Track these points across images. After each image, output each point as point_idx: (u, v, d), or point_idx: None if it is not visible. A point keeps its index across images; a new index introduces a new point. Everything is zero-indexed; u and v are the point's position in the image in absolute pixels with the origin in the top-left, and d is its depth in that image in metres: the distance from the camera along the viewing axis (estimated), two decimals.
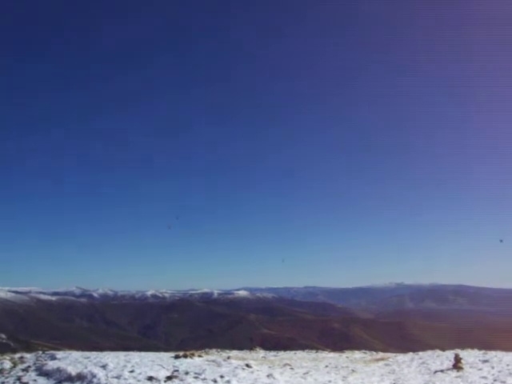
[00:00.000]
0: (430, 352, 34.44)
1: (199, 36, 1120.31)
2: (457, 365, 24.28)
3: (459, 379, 20.90)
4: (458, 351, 30.91)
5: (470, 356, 29.19)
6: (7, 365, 23.67)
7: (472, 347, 35.61)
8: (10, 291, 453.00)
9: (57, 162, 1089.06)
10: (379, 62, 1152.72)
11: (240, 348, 43.40)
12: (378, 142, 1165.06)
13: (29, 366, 23.41)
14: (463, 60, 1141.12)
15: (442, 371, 23.84)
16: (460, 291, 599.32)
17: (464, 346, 37.49)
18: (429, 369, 25.45)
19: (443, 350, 35.11)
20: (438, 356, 31.13)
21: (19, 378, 20.83)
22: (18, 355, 26.90)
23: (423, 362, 28.39)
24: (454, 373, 22.94)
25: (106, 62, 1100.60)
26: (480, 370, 23.74)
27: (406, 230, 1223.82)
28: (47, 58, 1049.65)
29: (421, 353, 34.49)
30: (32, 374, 21.62)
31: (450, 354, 30.01)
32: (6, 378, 21.13)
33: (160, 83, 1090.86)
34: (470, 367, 24.52)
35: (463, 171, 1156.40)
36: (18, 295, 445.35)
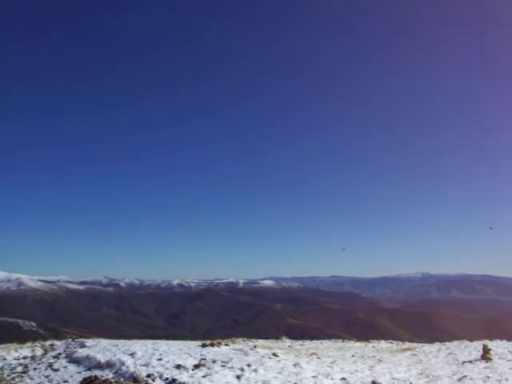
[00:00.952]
0: (457, 342, 34.07)
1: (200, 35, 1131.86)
2: (485, 355, 23.91)
3: (488, 370, 20.63)
4: (487, 342, 30.48)
5: (498, 347, 28.79)
6: (39, 352, 24.18)
7: (500, 338, 35.16)
8: (39, 280, 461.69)
9: (78, 150, 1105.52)
10: (376, 61, 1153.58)
11: (266, 337, 43.53)
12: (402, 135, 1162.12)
13: (59, 354, 23.88)
14: (460, 59, 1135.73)
15: (470, 362, 23.56)
16: (486, 281, 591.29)
17: (492, 336, 37.00)
18: (457, 359, 25.17)
19: (471, 340, 34.71)
20: (465, 347, 30.79)
21: (50, 365, 21.25)
22: (48, 343, 27.44)
23: (451, 353, 28.10)
24: (483, 364, 22.63)
25: (108, 55, 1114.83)
26: (509, 361, 23.36)
27: (432, 219, 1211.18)
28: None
29: (448, 343, 34.14)
30: (63, 361, 22.05)
31: (477, 345, 29.66)
32: (38, 364, 21.59)
33: (159, 79, 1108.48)
34: (499, 358, 24.17)
35: (490, 162, 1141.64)
36: (48, 284, 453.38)
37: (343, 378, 18.73)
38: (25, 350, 24.23)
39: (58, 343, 27.46)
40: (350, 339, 45.05)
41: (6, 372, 20.20)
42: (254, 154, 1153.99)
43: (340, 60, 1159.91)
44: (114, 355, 21.24)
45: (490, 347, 24.93)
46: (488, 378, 18.65)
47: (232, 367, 19.07)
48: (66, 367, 20.87)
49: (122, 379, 17.45)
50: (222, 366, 19.27)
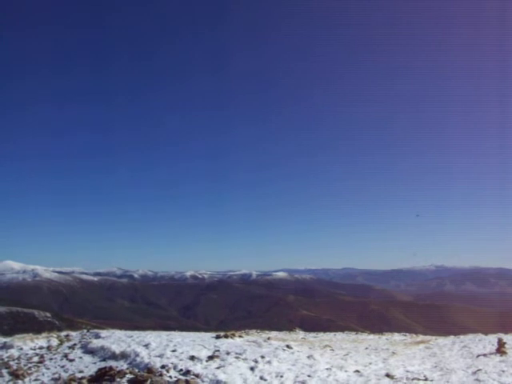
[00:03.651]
0: (471, 336, 33.85)
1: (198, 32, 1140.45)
2: (500, 349, 23.70)
3: (503, 364, 20.45)
4: (501, 335, 30.34)
5: None
6: (54, 342, 24.40)
7: None
8: (54, 271, 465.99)
9: (91, 142, 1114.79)
10: (374, 61, 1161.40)
11: (279, 329, 43.61)
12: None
13: (74, 344, 24.08)
14: (461, 60, 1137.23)
15: (484, 355, 23.37)
16: (501, 274, 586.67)
17: (507, 330, 36.71)
18: (471, 353, 25.00)
19: (485, 333, 34.48)
20: (480, 340, 30.56)
21: (66, 355, 21.45)
22: (64, 333, 27.68)
23: (465, 346, 27.93)
24: (498, 357, 22.43)
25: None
26: None
27: (446, 212, 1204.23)
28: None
29: (462, 336, 33.93)
30: (78, 352, 22.24)
31: (492, 338, 29.47)
32: (54, 354, 21.80)
33: (165, 71, 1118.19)
34: None
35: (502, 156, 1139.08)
36: (62, 275, 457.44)
37: (357, 371, 18.70)
38: (41, 341, 24.47)
39: (73, 334, 27.71)
40: (363, 331, 45.03)
41: (22, 362, 20.44)
42: (258, 148, 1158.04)
43: (338, 59, 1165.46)
44: (129, 346, 21.38)
45: (505, 341, 24.75)
46: (503, 371, 18.49)
47: (246, 359, 19.11)
48: (81, 357, 21.06)
49: (137, 370, 17.55)
50: (236, 357, 19.31)
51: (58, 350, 22.71)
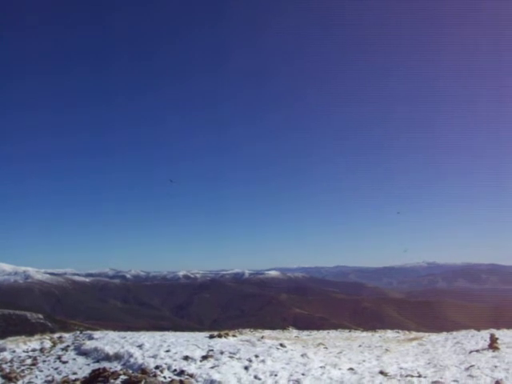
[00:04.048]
0: (464, 332, 33.98)
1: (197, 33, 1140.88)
2: (493, 345, 23.81)
3: (496, 359, 20.54)
4: (494, 331, 30.47)
5: (505, 336, 28.69)
6: (47, 344, 24.30)
7: (507, 327, 35.06)
8: (46, 273, 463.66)
9: (82, 143, 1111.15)
10: (363, 62, 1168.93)
11: (272, 328, 43.65)
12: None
13: (68, 346, 23.99)
14: (455, 59, 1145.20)
15: (477, 351, 23.47)
16: (493, 270, 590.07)
17: (499, 325, 36.89)
18: (464, 349, 25.11)
19: (478, 329, 34.64)
20: (472, 336, 30.70)
21: (59, 357, 21.37)
22: (57, 335, 27.58)
23: (458, 342, 28.04)
24: (490, 353, 22.54)
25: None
26: None
27: (438, 209, 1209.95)
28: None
29: (455, 332, 34.08)
30: (71, 354, 22.16)
31: (485, 334, 29.59)
32: (47, 356, 21.72)
33: (165, 70, 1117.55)
34: (507, 347, 24.04)
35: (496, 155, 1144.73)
36: (54, 277, 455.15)
37: (351, 369, 18.74)
38: (33, 343, 24.36)
39: (66, 335, 27.61)
40: (357, 329, 45.15)
41: (15, 364, 20.35)
42: (250, 147, 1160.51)
43: (331, 59, 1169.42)
44: (122, 347, 21.32)
45: (497, 336, 24.87)
46: (495, 367, 18.59)
47: (240, 358, 19.11)
48: (74, 359, 20.99)
49: (131, 371, 17.51)
50: (230, 357, 19.31)
51: (51, 352, 22.62)
